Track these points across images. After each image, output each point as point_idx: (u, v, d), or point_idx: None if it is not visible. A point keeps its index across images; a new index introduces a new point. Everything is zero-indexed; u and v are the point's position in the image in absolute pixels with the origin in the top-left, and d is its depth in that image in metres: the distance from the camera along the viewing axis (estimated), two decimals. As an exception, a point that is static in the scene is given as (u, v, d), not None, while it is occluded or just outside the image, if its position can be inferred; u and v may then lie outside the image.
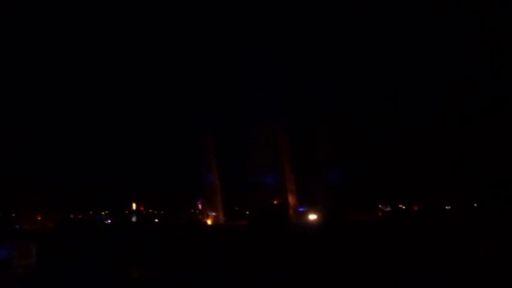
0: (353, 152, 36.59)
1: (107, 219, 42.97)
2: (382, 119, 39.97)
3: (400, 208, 43.45)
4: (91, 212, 43.66)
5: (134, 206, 41.67)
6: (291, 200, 38.78)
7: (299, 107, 37.47)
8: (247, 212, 41.36)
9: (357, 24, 37.91)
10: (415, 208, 44.12)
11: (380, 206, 43.26)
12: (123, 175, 41.73)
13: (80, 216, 42.33)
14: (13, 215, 39.26)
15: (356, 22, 37.87)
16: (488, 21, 33.71)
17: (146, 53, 42.00)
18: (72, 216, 41.82)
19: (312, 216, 37.44)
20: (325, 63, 38.08)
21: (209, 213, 38.10)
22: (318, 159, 37.15)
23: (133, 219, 40.89)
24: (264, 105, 36.19)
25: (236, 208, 41.50)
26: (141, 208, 44.12)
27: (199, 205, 41.56)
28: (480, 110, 37.49)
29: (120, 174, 41.82)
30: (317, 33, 37.37)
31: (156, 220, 42.95)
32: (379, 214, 41.08)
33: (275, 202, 36.68)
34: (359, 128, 38.25)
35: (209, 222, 38.10)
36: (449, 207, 42.21)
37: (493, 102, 36.57)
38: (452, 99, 38.01)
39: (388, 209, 42.71)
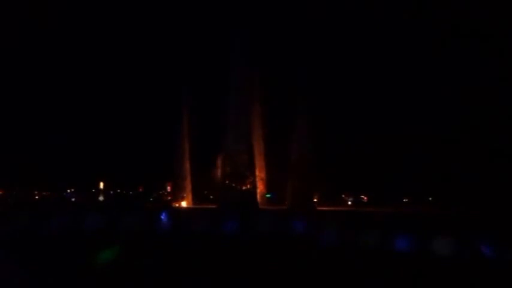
0: (325, 143, 37.64)
1: (72, 197, 42.25)
2: (355, 113, 41.47)
3: (362, 199, 45.31)
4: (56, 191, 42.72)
5: (102, 184, 41.12)
6: (260, 186, 39.46)
7: (275, 92, 37.89)
8: (211, 197, 41.72)
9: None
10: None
11: (343, 196, 44.91)
12: (91, 153, 41.11)
13: (44, 193, 41.34)
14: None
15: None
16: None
17: (123, 21, 41.32)
18: (36, 192, 40.83)
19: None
20: (305, 49, 38.92)
21: (183, 195, 38.06)
22: (290, 147, 37.92)
23: (101, 198, 40.36)
24: (241, 90, 36.42)
25: (206, 192, 41.81)
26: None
27: (168, 187, 41.56)
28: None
29: (88, 152, 41.15)
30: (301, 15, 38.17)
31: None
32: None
33: (244, 188, 37.06)
34: (333, 120, 39.50)
35: (184, 204, 38.04)
36: (406, 199, 44.61)
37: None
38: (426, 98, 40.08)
39: (351, 199, 44.38)
